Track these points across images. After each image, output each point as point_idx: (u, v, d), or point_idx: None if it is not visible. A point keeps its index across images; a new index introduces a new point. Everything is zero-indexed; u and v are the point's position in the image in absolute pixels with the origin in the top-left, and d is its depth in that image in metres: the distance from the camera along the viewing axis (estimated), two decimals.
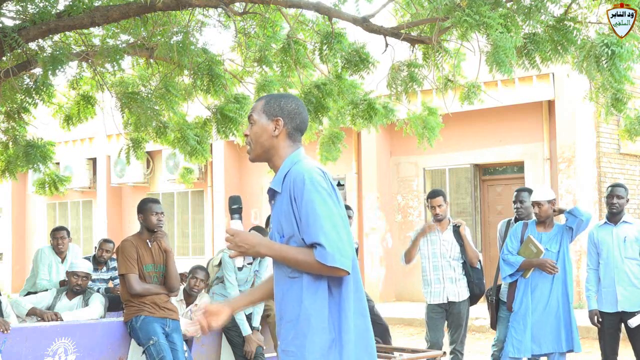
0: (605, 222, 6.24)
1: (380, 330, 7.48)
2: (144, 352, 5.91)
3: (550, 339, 6.01)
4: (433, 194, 6.72)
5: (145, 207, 6.02)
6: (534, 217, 6.61)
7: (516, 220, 6.70)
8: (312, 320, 2.82)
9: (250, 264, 6.70)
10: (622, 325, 6.15)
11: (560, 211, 6.17)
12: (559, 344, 6.01)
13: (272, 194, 2.99)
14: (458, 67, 6.51)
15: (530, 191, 6.66)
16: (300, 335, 2.84)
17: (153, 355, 5.77)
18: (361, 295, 2.94)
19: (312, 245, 2.80)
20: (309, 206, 2.80)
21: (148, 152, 17.05)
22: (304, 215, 2.81)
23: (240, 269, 6.55)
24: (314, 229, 2.78)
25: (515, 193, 6.69)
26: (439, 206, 6.64)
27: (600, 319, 6.12)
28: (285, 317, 2.90)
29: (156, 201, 6.16)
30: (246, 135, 3.05)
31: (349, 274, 2.81)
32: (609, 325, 6.13)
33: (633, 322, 5.96)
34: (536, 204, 6.14)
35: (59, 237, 7.64)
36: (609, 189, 6.24)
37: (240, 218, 3.01)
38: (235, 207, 3.02)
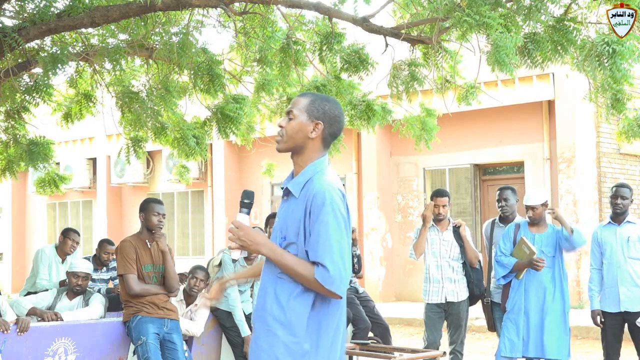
0: (609, 222, 6.23)
1: (381, 330, 7.48)
2: (134, 351, 5.92)
3: (541, 345, 5.99)
4: (440, 193, 6.70)
5: (147, 207, 6.02)
6: (517, 216, 6.63)
7: (500, 219, 6.70)
8: (293, 328, 2.88)
9: (251, 260, 6.70)
10: (625, 325, 6.14)
11: (556, 217, 6.13)
12: (547, 351, 5.98)
13: (288, 193, 3.03)
14: (456, 68, 6.52)
15: (512, 189, 6.68)
16: (276, 335, 2.90)
17: (139, 355, 5.79)
18: (341, 314, 3.01)
19: (315, 263, 2.85)
20: (323, 227, 2.85)
21: (148, 152, 17.06)
22: (316, 233, 2.86)
23: (234, 261, 6.53)
24: (322, 250, 2.84)
25: (498, 192, 6.70)
26: (443, 206, 6.64)
27: (602, 319, 6.12)
28: (265, 310, 2.95)
29: (159, 202, 6.14)
30: (280, 127, 3.06)
31: (341, 298, 2.90)
32: (612, 325, 6.11)
33: None
34: (530, 208, 6.13)
35: (75, 240, 7.63)
36: (614, 189, 6.23)
37: (249, 213, 3.06)
38: (247, 201, 3.07)
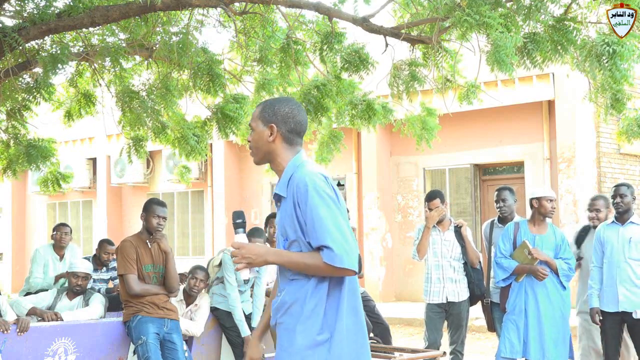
0: (613, 222, 6.22)
1: (381, 330, 7.49)
2: (134, 351, 5.92)
3: (540, 348, 5.97)
4: (430, 196, 6.73)
5: (149, 208, 6.03)
6: (516, 216, 6.63)
7: (499, 219, 6.71)
8: (311, 321, 2.93)
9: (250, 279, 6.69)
10: (625, 325, 6.13)
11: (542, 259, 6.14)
12: (548, 354, 5.97)
13: (278, 198, 3.09)
14: (456, 67, 6.52)
15: (511, 190, 6.70)
16: (294, 331, 2.95)
17: (139, 355, 5.79)
18: (356, 294, 3.04)
19: (319, 249, 2.89)
20: (314, 211, 2.89)
21: (148, 152, 17.05)
22: (309, 220, 2.90)
23: (246, 281, 6.53)
24: (321, 233, 2.87)
25: (497, 192, 6.72)
26: (436, 208, 6.65)
27: (601, 318, 6.11)
28: (283, 311, 3.01)
29: (162, 204, 6.13)
30: (249, 141, 3.17)
31: (356, 274, 2.93)
32: (611, 325, 6.10)
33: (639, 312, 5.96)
34: (549, 200, 6.14)
35: (62, 231, 7.67)
36: (612, 189, 6.27)
37: (245, 232, 3.11)
38: (239, 221, 3.12)
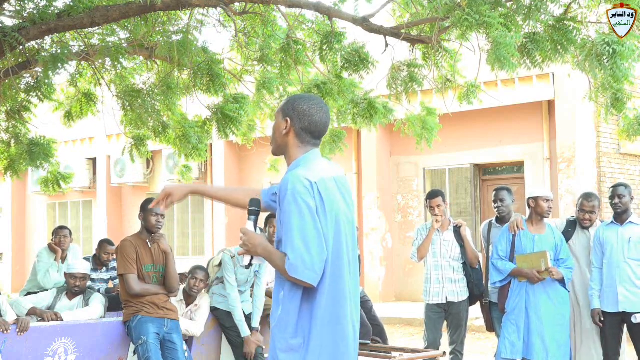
0: (612, 222, 6.22)
1: (378, 330, 7.49)
2: (135, 351, 5.93)
3: (543, 348, 5.97)
4: (432, 195, 6.73)
5: (147, 207, 6.02)
6: (514, 216, 6.63)
7: (497, 219, 6.70)
8: (285, 324, 2.97)
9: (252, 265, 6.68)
10: (625, 325, 6.13)
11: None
12: (551, 354, 5.96)
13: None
14: (456, 67, 6.52)
15: (508, 190, 6.69)
16: (274, 334, 3.01)
17: (139, 355, 5.79)
18: (340, 304, 3.00)
19: (285, 254, 2.94)
20: (286, 217, 2.93)
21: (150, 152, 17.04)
22: (283, 224, 2.96)
23: (247, 267, 6.53)
24: (286, 239, 2.92)
25: (494, 192, 6.71)
26: (438, 206, 6.64)
27: (602, 318, 6.11)
28: (272, 312, 3.08)
29: None
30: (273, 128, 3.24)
31: (312, 286, 2.91)
32: (611, 325, 6.10)
33: (638, 317, 5.95)
34: (546, 199, 6.14)
35: (62, 234, 7.67)
36: (610, 189, 6.26)
37: (255, 220, 3.18)
38: (252, 209, 3.18)
